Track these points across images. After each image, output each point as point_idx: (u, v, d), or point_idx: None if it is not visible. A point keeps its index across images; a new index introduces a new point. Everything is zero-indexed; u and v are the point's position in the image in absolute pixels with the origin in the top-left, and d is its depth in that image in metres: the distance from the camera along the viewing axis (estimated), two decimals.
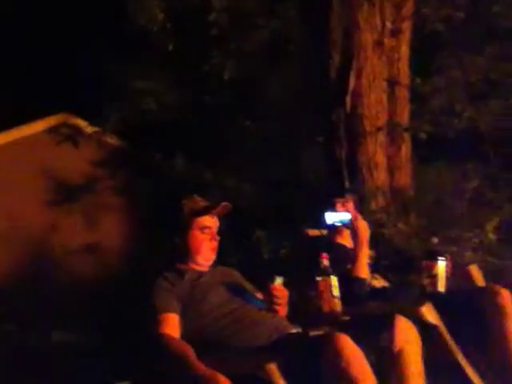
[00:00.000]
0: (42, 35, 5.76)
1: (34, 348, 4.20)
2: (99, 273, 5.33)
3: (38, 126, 5.75)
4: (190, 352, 1.52)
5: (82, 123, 5.73)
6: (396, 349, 1.63)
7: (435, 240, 2.08)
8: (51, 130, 5.70)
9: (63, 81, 5.51)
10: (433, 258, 2.03)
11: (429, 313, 1.77)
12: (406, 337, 1.64)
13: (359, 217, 2.19)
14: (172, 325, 1.62)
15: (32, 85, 5.78)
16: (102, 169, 5.78)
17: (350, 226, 2.17)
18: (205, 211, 1.80)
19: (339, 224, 2.19)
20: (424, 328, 1.72)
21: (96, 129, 5.57)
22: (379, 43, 3.73)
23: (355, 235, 2.15)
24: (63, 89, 5.41)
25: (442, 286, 2.03)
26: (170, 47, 4.48)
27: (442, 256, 2.04)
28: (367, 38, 3.71)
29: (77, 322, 4.21)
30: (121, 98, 4.84)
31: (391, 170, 3.78)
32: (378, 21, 3.73)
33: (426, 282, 2.03)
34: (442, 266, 2.03)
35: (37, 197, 5.55)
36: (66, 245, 5.52)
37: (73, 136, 5.72)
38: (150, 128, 4.95)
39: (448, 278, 2.07)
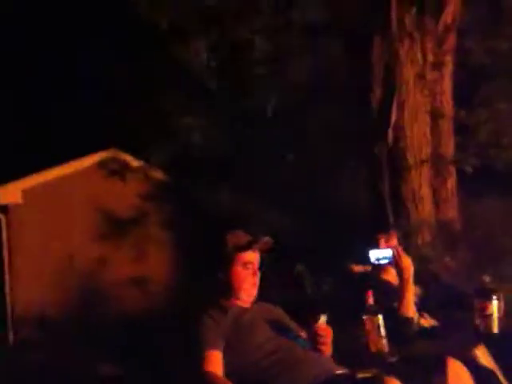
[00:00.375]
0: (89, 75, 6.08)
1: (78, 379, 4.26)
2: (146, 305, 5.39)
3: (88, 162, 6.00)
4: None
5: (129, 158, 5.94)
6: None
7: (487, 278, 1.99)
8: (100, 165, 5.93)
9: (111, 118, 5.75)
10: (487, 296, 1.95)
11: (483, 355, 1.68)
12: (459, 381, 1.57)
13: (403, 253, 2.14)
14: (216, 362, 1.61)
15: (82, 122, 6.06)
16: (149, 202, 5.92)
17: (393, 262, 2.12)
18: (248, 247, 1.81)
19: (383, 262, 2.14)
20: (478, 371, 1.63)
21: (142, 163, 5.75)
22: (421, 76, 3.72)
23: (399, 272, 2.10)
24: (112, 125, 5.64)
25: (496, 327, 1.94)
26: (214, 85, 4.62)
27: (495, 294, 1.95)
28: (409, 71, 3.71)
29: (122, 354, 4.26)
30: (167, 134, 5.00)
31: (437, 204, 3.70)
32: (419, 55, 3.73)
33: (479, 322, 1.94)
34: (496, 305, 1.94)
35: (87, 230, 5.74)
36: (115, 277, 5.63)
37: (120, 171, 5.92)
38: (195, 162, 5.07)
39: (501, 319, 1.97)
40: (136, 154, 5.78)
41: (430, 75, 3.74)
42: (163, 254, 5.99)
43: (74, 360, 4.32)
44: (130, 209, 5.85)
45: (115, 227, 5.79)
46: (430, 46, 3.75)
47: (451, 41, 3.87)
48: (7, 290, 5.57)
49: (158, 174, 5.98)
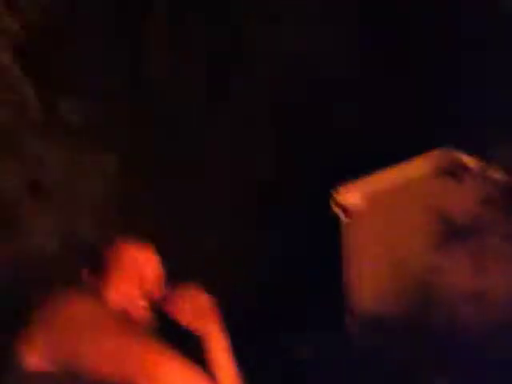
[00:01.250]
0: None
1: None
2: (483, 323, 4.79)
3: (420, 162, 5.74)
4: None
5: (465, 158, 5.41)
6: None
7: None
8: (433, 166, 5.60)
9: (444, 115, 5.36)
10: None
11: None
12: None
13: None
14: None
15: (414, 119, 5.81)
16: (488, 208, 5.25)
17: None
18: None
19: None
20: None
21: (480, 164, 5.14)
22: None
23: None
24: (445, 124, 5.26)
25: None
26: None
27: None
28: None
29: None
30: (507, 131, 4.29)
31: None
32: None
33: None
34: None
35: (419, 234, 5.53)
36: (449, 288, 5.23)
37: (456, 172, 5.46)
38: None
39: None
40: (472, 153, 5.19)
41: None
42: (505, 268, 5.16)
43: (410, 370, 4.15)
44: (467, 214, 5.30)
45: (450, 233, 5.38)
46: None
47: None
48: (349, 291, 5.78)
49: (498, 175, 5.20)
